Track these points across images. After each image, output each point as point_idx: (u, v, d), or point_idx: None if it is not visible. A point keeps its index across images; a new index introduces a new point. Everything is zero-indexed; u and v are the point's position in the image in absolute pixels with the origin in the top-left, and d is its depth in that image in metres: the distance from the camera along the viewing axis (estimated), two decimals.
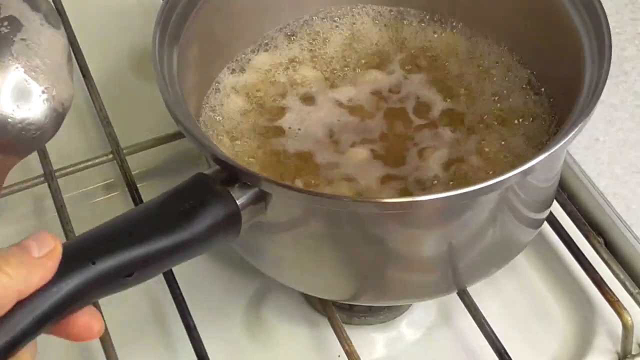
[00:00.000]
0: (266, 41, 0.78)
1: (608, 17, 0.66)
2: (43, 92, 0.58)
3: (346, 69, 0.76)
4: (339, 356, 0.70)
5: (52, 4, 0.60)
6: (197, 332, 0.67)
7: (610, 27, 0.65)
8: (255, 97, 0.74)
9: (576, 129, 0.59)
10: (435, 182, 0.67)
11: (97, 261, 0.52)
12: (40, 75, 0.58)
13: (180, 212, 0.56)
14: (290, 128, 0.72)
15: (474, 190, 0.57)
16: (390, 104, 0.73)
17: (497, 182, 0.57)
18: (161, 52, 0.65)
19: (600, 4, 0.66)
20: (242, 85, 0.75)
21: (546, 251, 0.76)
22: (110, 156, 0.79)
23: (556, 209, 0.75)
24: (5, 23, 0.58)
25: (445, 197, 0.57)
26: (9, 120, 0.57)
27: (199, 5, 0.70)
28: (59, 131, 0.71)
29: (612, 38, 0.64)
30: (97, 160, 0.79)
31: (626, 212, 0.75)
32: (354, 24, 0.79)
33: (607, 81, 0.62)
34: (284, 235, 0.63)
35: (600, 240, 0.75)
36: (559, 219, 0.74)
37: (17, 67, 0.57)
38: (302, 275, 0.66)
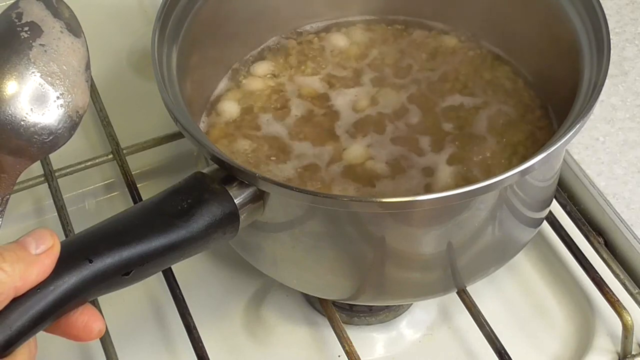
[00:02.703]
0: (267, 45, 0.78)
1: (608, 17, 0.66)
2: (58, 97, 0.58)
3: (348, 76, 0.76)
4: (339, 356, 0.70)
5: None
6: (197, 332, 0.67)
7: (610, 27, 0.65)
8: (255, 99, 0.74)
9: (575, 129, 0.59)
10: (435, 181, 0.68)
11: (95, 259, 0.52)
12: (56, 81, 0.58)
13: (178, 211, 0.56)
14: (290, 130, 0.72)
15: (473, 190, 0.57)
16: (394, 108, 0.73)
17: (495, 182, 0.57)
18: (160, 53, 0.65)
19: (599, 3, 0.66)
20: (242, 87, 0.75)
21: (546, 251, 0.76)
22: (110, 156, 0.79)
23: (556, 208, 0.75)
24: (26, 28, 0.58)
25: (445, 196, 0.57)
26: (22, 123, 0.57)
27: (198, 5, 0.70)
28: None
29: (612, 38, 0.65)
30: (97, 160, 0.79)
31: (626, 212, 0.75)
32: (358, 33, 0.79)
33: (607, 81, 0.62)
34: (283, 235, 0.63)
35: (600, 240, 0.75)
36: (558, 218, 0.74)
37: (33, 72, 0.58)
38: (302, 274, 0.66)
